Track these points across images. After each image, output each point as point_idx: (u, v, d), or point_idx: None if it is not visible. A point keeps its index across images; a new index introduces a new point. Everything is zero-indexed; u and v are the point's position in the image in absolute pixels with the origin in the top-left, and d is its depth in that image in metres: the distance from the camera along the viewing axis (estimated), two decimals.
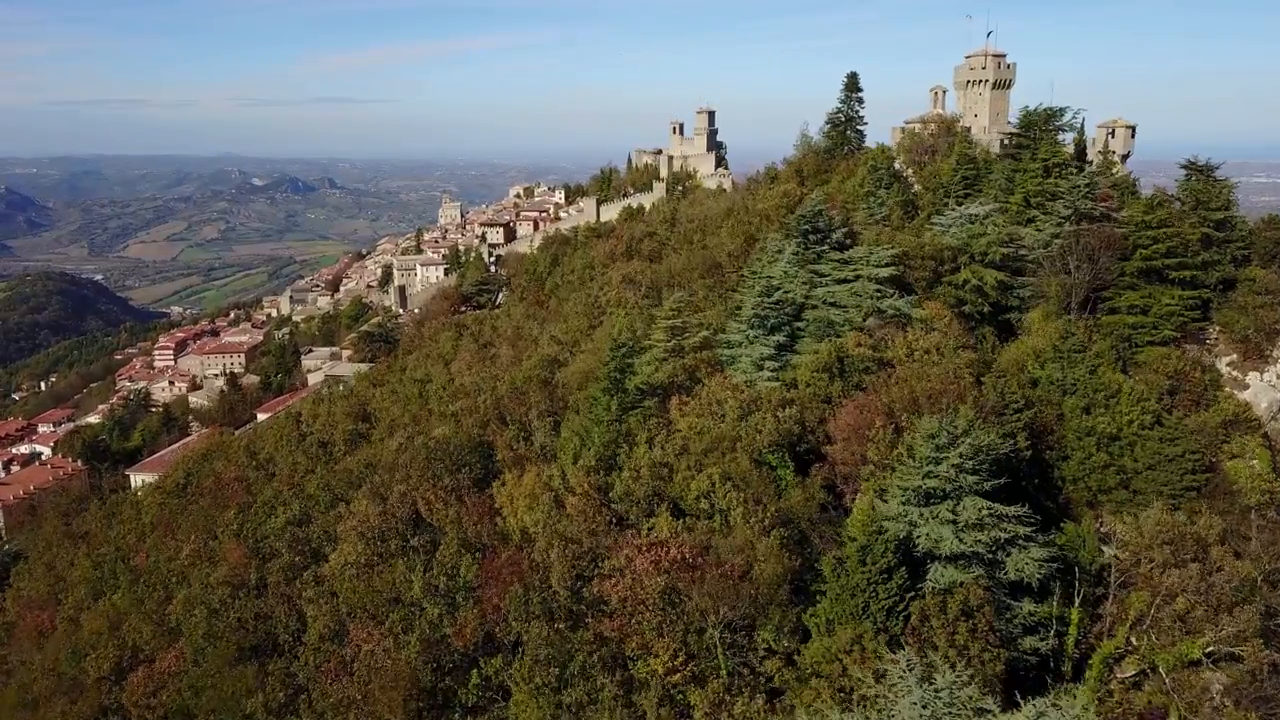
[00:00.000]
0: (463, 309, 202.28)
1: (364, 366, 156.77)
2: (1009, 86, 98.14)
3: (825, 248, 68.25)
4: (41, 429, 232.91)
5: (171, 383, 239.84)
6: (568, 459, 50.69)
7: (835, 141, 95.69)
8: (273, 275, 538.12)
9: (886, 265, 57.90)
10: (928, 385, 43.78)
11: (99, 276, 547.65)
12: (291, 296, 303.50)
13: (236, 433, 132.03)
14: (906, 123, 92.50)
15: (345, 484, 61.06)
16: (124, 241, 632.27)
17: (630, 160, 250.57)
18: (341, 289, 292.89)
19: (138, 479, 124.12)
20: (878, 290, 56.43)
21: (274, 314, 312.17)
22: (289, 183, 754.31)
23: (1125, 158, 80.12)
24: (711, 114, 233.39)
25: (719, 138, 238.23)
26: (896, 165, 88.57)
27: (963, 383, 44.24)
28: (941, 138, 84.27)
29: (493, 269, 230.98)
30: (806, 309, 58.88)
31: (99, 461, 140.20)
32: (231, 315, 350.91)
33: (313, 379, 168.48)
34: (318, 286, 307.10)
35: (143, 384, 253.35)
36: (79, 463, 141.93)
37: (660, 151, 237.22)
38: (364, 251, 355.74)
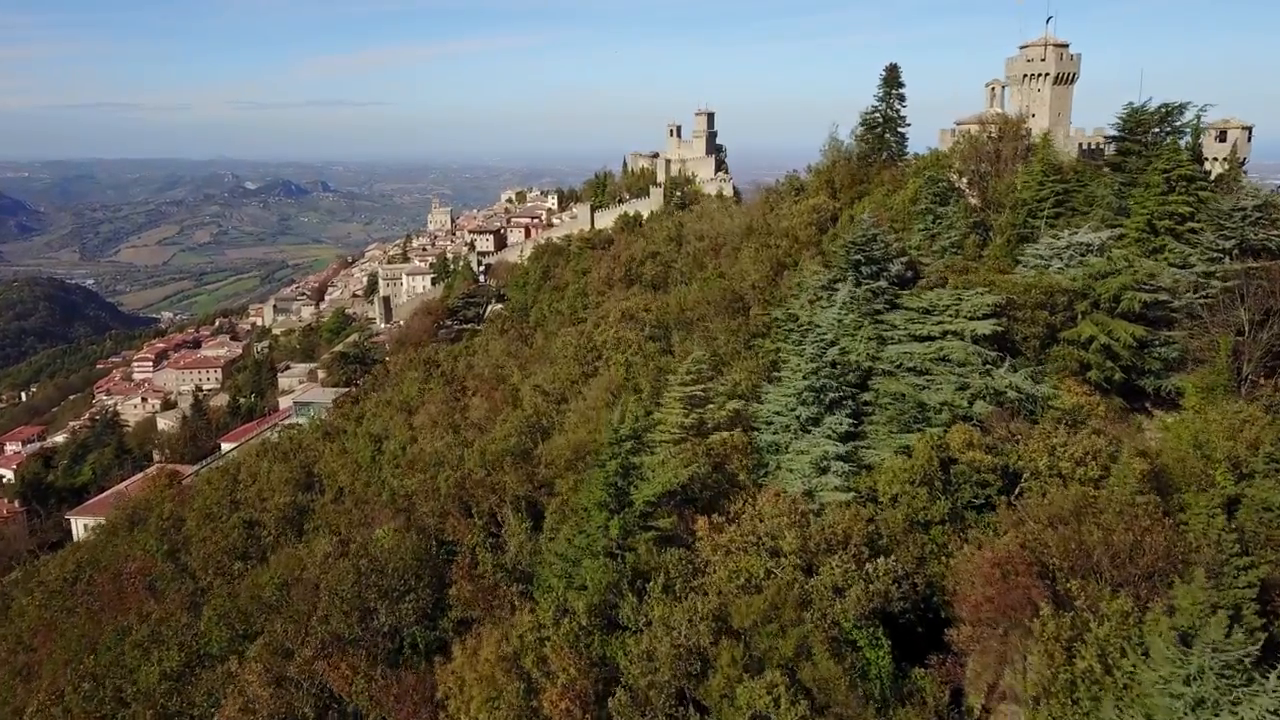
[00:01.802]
0: (448, 323, 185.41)
1: (336, 391, 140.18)
2: (1072, 81, 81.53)
3: (882, 283, 51.72)
4: (9, 448, 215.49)
5: (144, 399, 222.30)
6: (547, 611, 33.98)
7: (872, 146, 78.81)
8: (265, 279, 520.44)
9: (985, 318, 41.33)
10: (1103, 531, 27.18)
11: (90, 281, 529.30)
12: (275, 305, 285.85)
13: (187, 475, 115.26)
14: (958, 124, 75.81)
15: (254, 608, 44.34)
16: (116, 246, 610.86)
17: (626, 164, 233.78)
18: (326, 298, 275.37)
19: (80, 524, 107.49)
20: (977, 353, 39.82)
21: (259, 323, 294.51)
22: (282, 186, 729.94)
23: (1240, 165, 63.81)
24: (711, 116, 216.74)
25: (718, 140, 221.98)
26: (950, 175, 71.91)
27: (1157, 526, 27.65)
28: (1007, 141, 67.66)
29: (481, 279, 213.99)
30: (875, 375, 42.25)
31: (40, 502, 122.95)
32: (216, 323, 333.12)
33: (285, 401, 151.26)
34: (302, 295, 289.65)
35: (117, 398, 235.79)
36: (16, 504, 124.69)
37: (657, 155, 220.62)
38: (349, 259, 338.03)
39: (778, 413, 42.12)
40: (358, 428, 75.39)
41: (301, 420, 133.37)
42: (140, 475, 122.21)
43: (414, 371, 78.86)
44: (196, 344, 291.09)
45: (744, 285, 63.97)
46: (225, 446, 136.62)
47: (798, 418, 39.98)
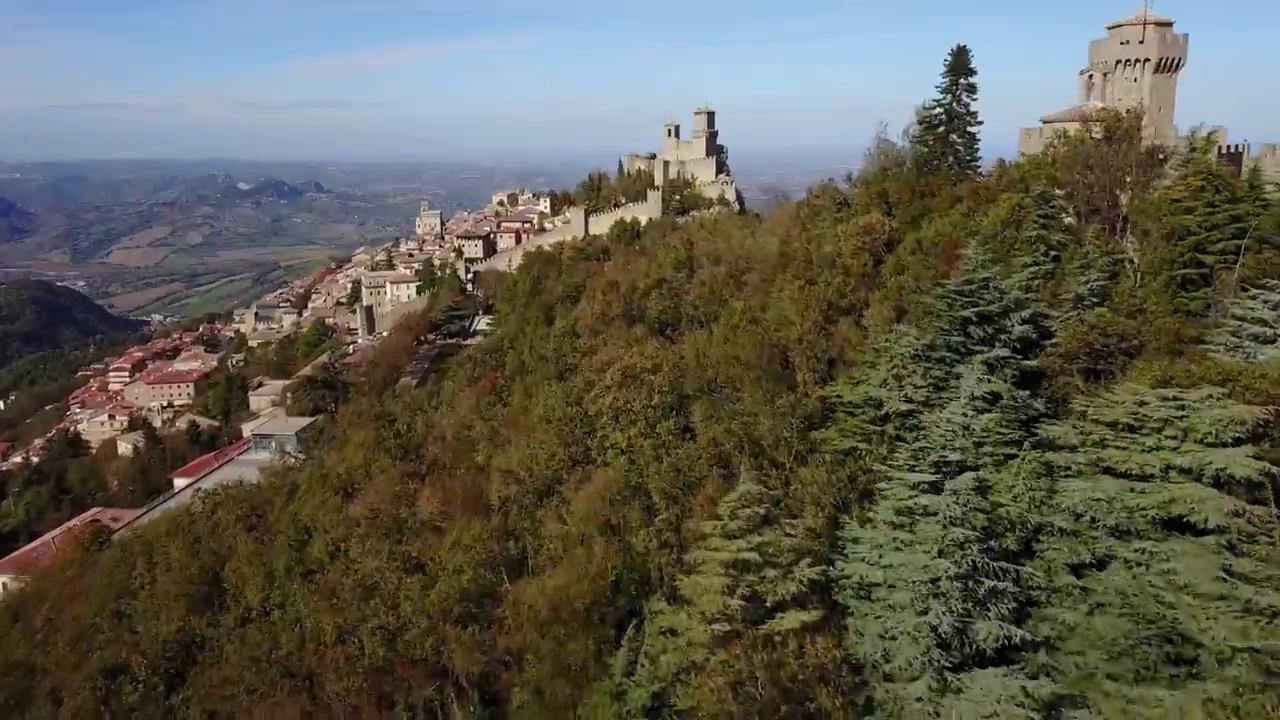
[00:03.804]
0: (430, 338, 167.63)
1: (301, 421, 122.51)
2: (1177, 69, 64.37)
3: (1001, 351, 34.66)
4: None
5: (111, 416, 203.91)
6: None
7: (933, 150, 61.05)
8: (257, 281, 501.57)
9: (1239, 442, 23.95)
10: None
11: (81, 283, 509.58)
12: (257, 313, 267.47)
13: (124, 524, 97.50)
14: (1047, 121, 58.44)
15: None
16: (107, 247, 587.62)
17: (622, 165, 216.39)
18: (309, 306, 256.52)
19: None
20: (1245, 514, 22.47)
21: (241, 329, 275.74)
22: (275, 186, 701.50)
23: None
24: (711, 115, 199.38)
25: (719, 141, 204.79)
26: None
27: None
28: (1124, 144, 50.33)
29: (469, 288, 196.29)
30: (1043, 533, 24.91)
31: None
32: (200, 330, 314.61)
33: (249, 428, 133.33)
34: (285, 302, 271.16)
35: (85, 414, 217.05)
36: None
37: (655, 156, 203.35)
38: (334, 265, 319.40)
39: (886, 598, 24.73)
40: (287, 507, 57.88)
41: (261, 454, 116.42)
42: (66, 526, 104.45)
43: (362, 433, 61.32)
44: (176, 352, 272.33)
45: (786, 335, 46.51)
46: (178, 483, 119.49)
47: (933, 627, 22.53)
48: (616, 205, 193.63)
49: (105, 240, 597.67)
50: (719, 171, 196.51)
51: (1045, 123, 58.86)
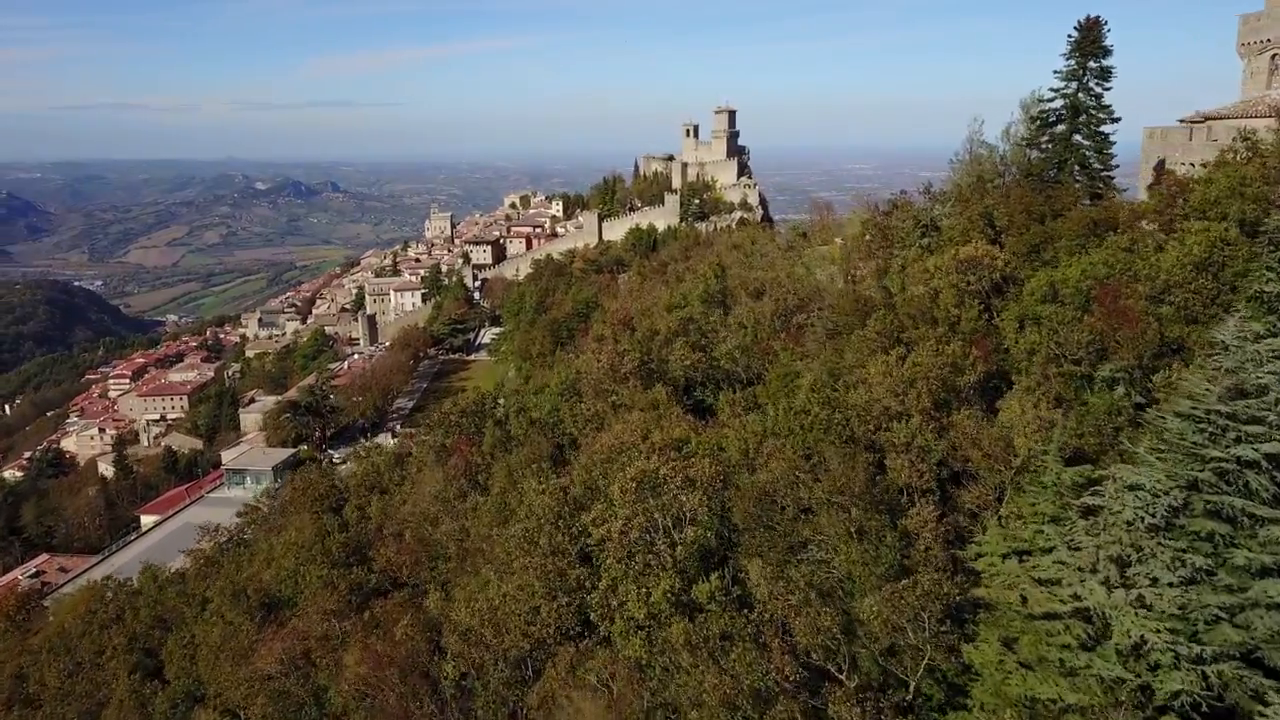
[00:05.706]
0: (431, 353, 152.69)
1: (281, 453, 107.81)
2: None
3: None
4: None
5: (101, 430, 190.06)
6: None
7: (1050, 157, 44.50)
8: (273, 281, 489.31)
9: None
10: None
11: (98, 283, 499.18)
12: (260, 319, 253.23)
13: (61, 587, 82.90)
14: (1206, 117, 42.26)
15: None
16: (125, 247, 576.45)
17: (637, 167, 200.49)
18: (314, 312, 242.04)
19: None
20: None
21: (246, 334, 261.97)
22: (291, 186, 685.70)
23: None
24: (732, 114, 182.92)
25: (740, 141, 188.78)
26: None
27: None
28: None
29: (476, 296, 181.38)
30: None
31: None
32: (207, 334, 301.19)
33: (228, 456, 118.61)
34: (290, 308, 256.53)
35: (78, 425, 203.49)
36: None
37: (672, 158, 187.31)
38: (337, 271, 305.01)
39: None
40: (195, 623, 42.70)
41: (235, 491, 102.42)
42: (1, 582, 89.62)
43: (300, 522, 46.13)
44: (180, 357, 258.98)
45: (889, 438, 30.74)
46: (145, 520, 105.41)
47: None
48: (632, 209, 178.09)
49: (123, 240, 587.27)
50: (740, 173, 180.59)
51: (1205, 120, 42.64)
